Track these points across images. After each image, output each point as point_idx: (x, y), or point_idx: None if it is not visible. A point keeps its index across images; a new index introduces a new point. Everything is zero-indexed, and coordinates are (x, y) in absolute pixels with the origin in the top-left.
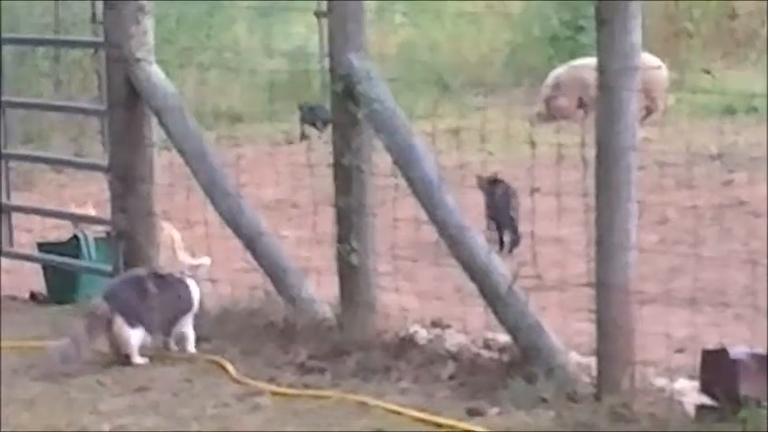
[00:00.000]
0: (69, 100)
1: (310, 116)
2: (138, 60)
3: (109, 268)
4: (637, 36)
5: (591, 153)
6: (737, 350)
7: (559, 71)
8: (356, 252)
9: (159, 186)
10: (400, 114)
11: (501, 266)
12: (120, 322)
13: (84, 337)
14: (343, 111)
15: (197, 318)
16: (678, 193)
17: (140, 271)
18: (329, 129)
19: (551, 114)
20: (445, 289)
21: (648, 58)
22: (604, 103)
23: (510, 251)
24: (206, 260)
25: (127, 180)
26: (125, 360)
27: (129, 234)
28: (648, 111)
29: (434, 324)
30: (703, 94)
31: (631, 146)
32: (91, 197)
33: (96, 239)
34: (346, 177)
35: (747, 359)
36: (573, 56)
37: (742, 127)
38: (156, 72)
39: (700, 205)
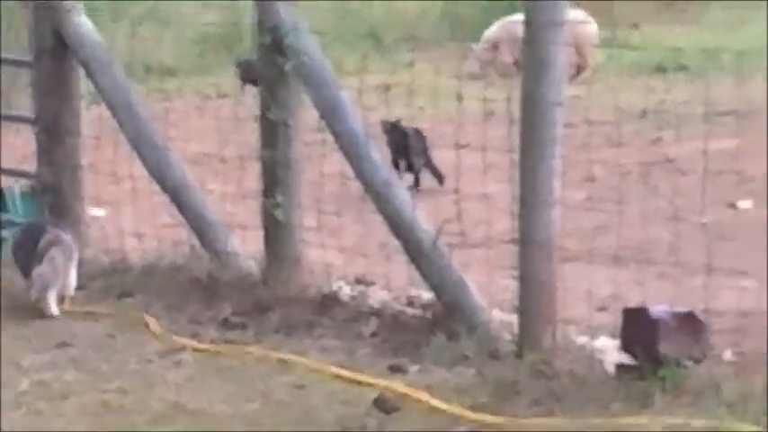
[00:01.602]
0: None
1: (247, 73)
2: (67, 11)
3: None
4: None
5: (518, 109)
6: (657, 309)
7: (493, 29)
8: (281, 207)
9: (86, 139)
10: (328, 68)
11: (425, 223)
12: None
13: (60, 261)
14: (270, 64)
15: (121, 273)
16: (607, 150)
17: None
18: None
19: (490, 73)
20: (370, 245)
21: (576, 13)
22: (530, 57)
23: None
24: (100, 211)
25: (53, 133)
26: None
27: (55, 187)
28: (579, 69)
29: (358, 281)
30: (634, 51)
31: (557, 101)
32: (17, 150)
33: (22, 193)
34: (272, 131)
35: (667, 318)
36: (508, 10)
37: (672, 85)
38: (84, 23)
39: (627, 163)
